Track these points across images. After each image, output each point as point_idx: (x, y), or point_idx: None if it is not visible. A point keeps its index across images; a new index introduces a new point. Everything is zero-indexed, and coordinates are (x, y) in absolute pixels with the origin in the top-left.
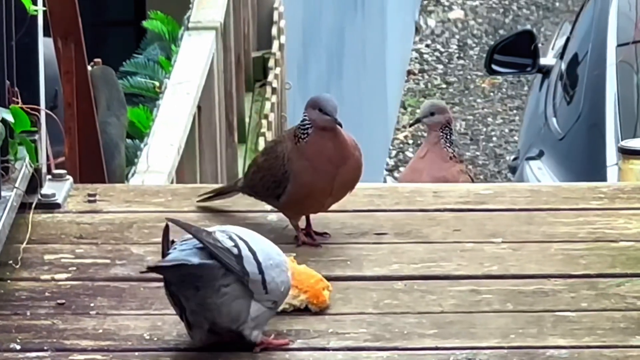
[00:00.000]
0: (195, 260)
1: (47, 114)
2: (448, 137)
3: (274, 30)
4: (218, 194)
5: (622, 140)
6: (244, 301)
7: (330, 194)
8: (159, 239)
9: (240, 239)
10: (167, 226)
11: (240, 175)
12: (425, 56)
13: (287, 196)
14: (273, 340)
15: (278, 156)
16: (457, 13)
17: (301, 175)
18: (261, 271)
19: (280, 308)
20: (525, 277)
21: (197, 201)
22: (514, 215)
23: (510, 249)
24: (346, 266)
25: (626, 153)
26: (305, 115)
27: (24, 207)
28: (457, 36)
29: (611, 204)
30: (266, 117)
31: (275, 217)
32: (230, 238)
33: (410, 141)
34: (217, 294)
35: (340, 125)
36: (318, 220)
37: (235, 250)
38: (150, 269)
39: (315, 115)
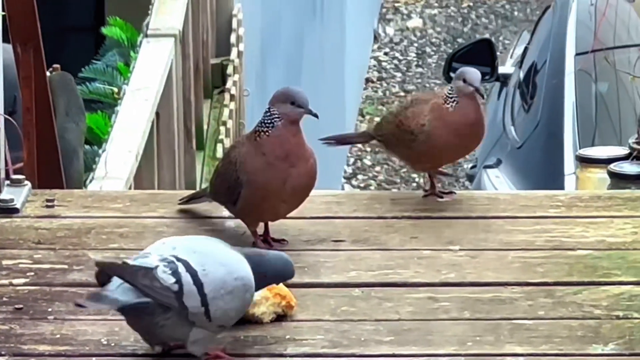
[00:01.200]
0: (127, 299)
1: (5, 119)
2: None
3: (233, 38)
4: (192, 198)
5: (580, 149)
6: (185, 328)
7: (283, 199)
8: (117, 245)
9: (189, 270)
10: (99, 271)
11: (199, 183)
12: (384, 64)
13: (242, 200)
14: (219, 353)
15: (231, 161)
16: (415, 22)
17: (255, 175)
18: (205, 304)
19: (267, 319)
20: (483, 285)
21: (178, 203)
22: (471, 223)
23: (467, 256)
24: (304, 273)
25: (584, 161)
26: (271, 110)
27: None
28: (416, 44)
29: (569, 212)
30: (224, 123)
31: (233, 223)
32: (174, 273)
33: (368, 149)
34: (156, 326)
35: (316, 116)
36: (276, 226)
37: (175, 287)
38: (78, 305)
39: (288, 109)
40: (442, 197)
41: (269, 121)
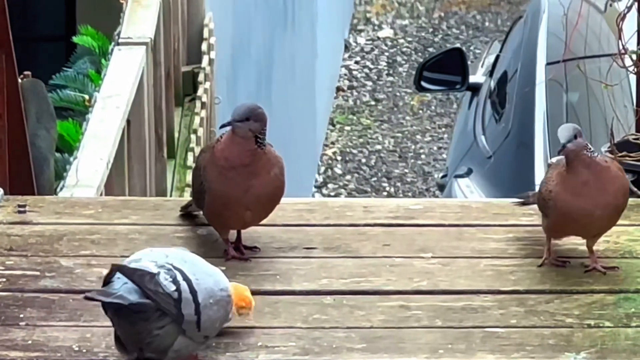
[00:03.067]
0: (132, 298)
1: None
2: (591, 149)
3: (204, 46)
4: (186, 207)
5: (551, 158)
6: (173, 338)
7: (246, 207)
8: (89, 252)
9: (185, 279)
10: (112, 269)
11: (170, 191)
12: (355, 73)
13: (206, 207)
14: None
15: (197, 167)
16: (386, 32)
17: (211, 182)
18: (198, 312)
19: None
20: (455, 293)
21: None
22: (443, 231)
23: (439, 264)
24: (275, 280)
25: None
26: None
27: None
28: (387, 53)
29: (541, 221)
30: (195, 131)
31: (205, 230)
32: (174, 280)
33: (339, 157)
34: (150, 334)
35: (229, 124)
36: (248, 234)
37: (175, 295)
38: (88, 298)
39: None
40: (558, 266)
41: (221, 135)
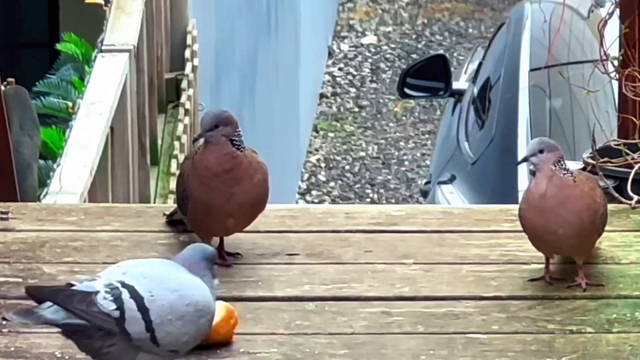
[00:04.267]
0: (56, 318)
1: None
2: (563, 167)
3: (187, 53)
4: (171, 214)
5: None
6: (131, 353)
7: (229, 214)
8: (71, 258)
9: (133, 296)
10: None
11: (153, 198)
12: (338, 79)
13: (189, 213)
14: None
15: (181, 174)
16: (370, 39)
17: (195, 191)
18: (150, 329)
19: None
20: (437, 299)
21: (166, 219)
22: (425, 237)
23: (421, 270)
24: (257, 287)
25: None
26: None
27: None
28: (370, 60)
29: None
30: (179, 138)
31: (187, 237)
32: (116, 299)
33: (323, 164)
34: (100, 351)
35: (200, 136)
36: (230, 240)
37: (116, 314)
38: (4, 319)
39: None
40: (551, 284)
41: (200, 146)
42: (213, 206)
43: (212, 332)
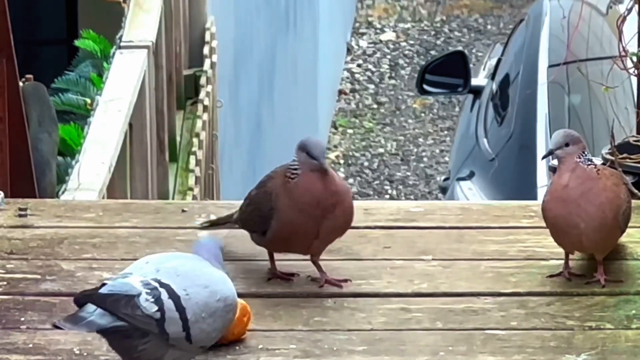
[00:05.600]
0: (104, 323)
1: None
2: (587, 159)
3: (206, 49)
4: (214, 224)
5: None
6: (162, 351)
7: (316, 236)
8: (90, 255)
9: (171, 296)
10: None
11: (172, 194)
12: (357, 76)
13: (271, 233)
14: None
15: (267, 191)
16: (389, 35)
17: (284, 213)
18: (186, 328)
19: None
20: (455, 295)
21: (199, 227)
22: (444, 233)
23: (440, 266)
24: (276, 283)
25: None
26: (294, 157)
27: None
28: (389, 56)
29: (541, 223)
30: (197, 135)
31: (206, 234)
32: (157, 300)
33: (342, 161)
34: (134, 349)
35: (325, 171)
36: (246, 236)
37: (157, 315)
38: (55, 327)
39: (303, 158)
40: (570, 280)
41: (293, 168)
42: (303, 229)
43: (227, 332)
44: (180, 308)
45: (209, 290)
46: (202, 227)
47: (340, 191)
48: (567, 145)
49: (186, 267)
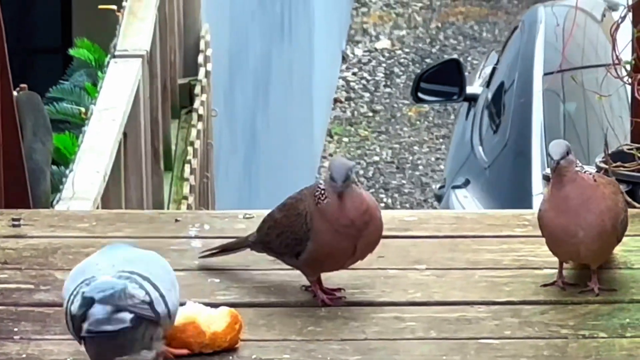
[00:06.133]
0: (123, 317)
1: None
2: (582, 167)
3: (201, 58)
4: (223, 250)
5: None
6: (152, 334)
7: (352, 254)
8: None
9: (145, 279)
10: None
11: (167, 203)
12: (352, 84)
13: (308, 254)
14: (172, 350)
15: (300, 214)
16: (384, 43)
17: (321, 234)
18: (166, 304)
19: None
20: (449, 304)
21: (200, 257)
22: (438, 242)
23: (434, 275)
24: (270, 292)
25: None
26: (321, 179)
27: None
28: (384, 64)
29: (535, 232)
30: (192, 144)
31: (200, 243)
32: (140, 286)
33: None
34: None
35: (341, 194)
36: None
37: (147, 298)
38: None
39: (328, 179)
40: (564, 289)
41: (321, 189)
42: (340, 249)
43: (218, 339)
44: (155, 287)
45: (159, 266)
46: (206, 255)
47: (371, 207)
48: (567, 153)
49: (129, 254)
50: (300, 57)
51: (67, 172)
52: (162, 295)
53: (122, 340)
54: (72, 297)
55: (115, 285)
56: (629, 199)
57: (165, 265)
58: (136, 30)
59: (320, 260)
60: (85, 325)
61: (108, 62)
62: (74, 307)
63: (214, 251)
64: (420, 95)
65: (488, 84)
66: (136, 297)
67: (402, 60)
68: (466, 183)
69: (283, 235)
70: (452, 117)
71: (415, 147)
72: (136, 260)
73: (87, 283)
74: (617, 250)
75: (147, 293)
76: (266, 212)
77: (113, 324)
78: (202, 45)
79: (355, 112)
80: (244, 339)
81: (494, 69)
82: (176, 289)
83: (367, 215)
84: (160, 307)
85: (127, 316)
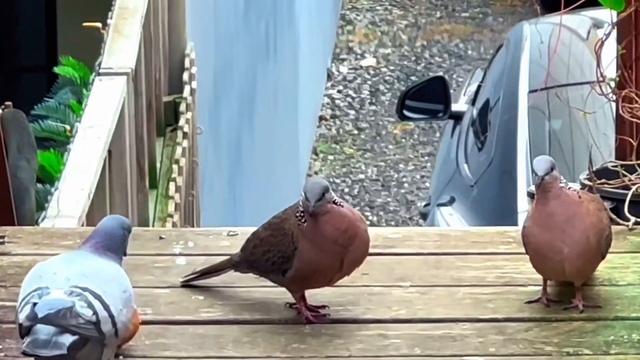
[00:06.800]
0: (66, 340)
1: None
2: (566, 184)
3: (186, 76)
4: (205, 273)
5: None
6: (98, 351)
7: (339, 269)
8: None
9: (96, 296)
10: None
11: (152, 221)
12: (337, 102)
13: (294, 271)
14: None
15: (287, 233)
16: (369, 61)
17: (308, 252)
18: (114, 324)
19: None
20: (433, 322)
21: (181, 282)
22: (422, 259)
23: (418, 292)
24: (254, 309)
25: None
26: (300, 200)
27: None
28: (369, 82)
29: (519, 249)
30: (177, 162)
31: (184, 260)
32: (89, 305)
33: None
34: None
35: (314, 215)
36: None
37: (93, 319)
38: (26, 354)
39: (303, 199)
40: (548, 306)
41: (301, 212)
42: (326, 266)
43: None
44: (105, 306)
45: (116, 283)
46: (188, 280)
47: (353, 223)
48: (552, 169)
49: (90, 267)
50: (285, 74)
51: (53, 190)
52: (111, 316)
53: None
54: (23, 303)
55: (65, 303)
56: (613, 216)
57: (123, 281)
58: (121, 48)
59: (307, 277)
60: (26, 341)
61: (93, 80)
62: (22, 316)
63: (196, 275)
64: (405, 112)
65: (473, 101)
66: (82, 317)
67: (387, 77)
68: (451, 201)
69: (270, 252)
70: (438, 134)
71: (401, 165)
72: (93, 275)
73: (40, 295)
74: (602, 267)
75: (95, 313)
76: (251, 229)
77: (50, 348)
78: (187, 63)
79: (341, 130)
80: (228, 356)
81: (479, 87)
82: (129, 307)
83: (350, 231)
84: (106, 327)
85: (69, 339)
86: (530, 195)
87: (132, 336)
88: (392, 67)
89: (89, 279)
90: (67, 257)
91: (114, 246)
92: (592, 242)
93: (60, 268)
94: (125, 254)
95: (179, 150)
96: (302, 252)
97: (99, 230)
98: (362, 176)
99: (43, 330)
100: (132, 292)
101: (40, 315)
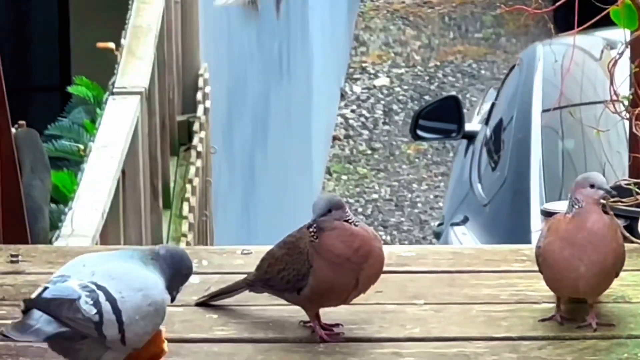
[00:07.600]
0: (50, 330)
1: None
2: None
3: (199, 95)
4: (220, 294)
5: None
6: (100, 351)
7: (355, 287)
8: None
9: (108, 299)
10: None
11: (166, 241)
12: (351, 121)
13: (309, 289)
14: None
15: (302, 252)
16: (382, 80)
17: (323, 270)
18: (122, 330)
19: None
20: (447, 340)
21: (196, 303)
22: (436, 277)
23: (432, 310)
24: (268, 328)
25: (548, 216)
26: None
27: None
28: (383, 102)
29: (533, 266)
30: (191, 181)
31: (197, 279)
32: (95, 302)
33: None
34: (73, 349)
35: (320, 230)
36: (232, 280)
37: (96, 318)
38: (3, 335)
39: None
40: (562, 324)
41: (313, 229)
42: (341, 284)
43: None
44: (116, 311)
45: (142, 294)
46: (203, 301)
47: (367, 241)
48: (592, 186)
49: (121, 270)
50: (299, 94)
51: (66, 209)
52: (119, 321)
53: (59, 344)
54: (48, 282)
55: (70, 294)
56: (627, 234)
57: (152, 295)
58: (135, 68)
59: (322, 295)
60: (20, 320)
61: (106, 99)
62: (35, 293)
63: (210, 296)
64: (418, 132)
65: (487, 121)
66: (81, 313)
67: (400, 97)
68: (465, 220)
69: (285, 271)
70: (451, 154)
71: (414, 185)
72: (120, 278)
73: (56, 281)
74: (615, 284)
75: (99, 313)
76: (265, 248)
77: (26, 333)
78: (200, 83)
79: (354, 150)
80: None
81: (492, 106)
82: (151, 321)
83: (363, 249)
84: (110, 331)
85: (53, 330)
86: (545, 214)
87: (155, 357)
88: (405, 87)
89: (113, 281)
90: (113, 255)
91: (170, 273)
92: (609, 264)
93: (94, 262)
94: (172, 295)
95: (192, 169)
96: (317, 270)
97: (171, 256)
98: (375, 196)
99: (34, 316)
100: (163, 310)
101: (41, 299)
